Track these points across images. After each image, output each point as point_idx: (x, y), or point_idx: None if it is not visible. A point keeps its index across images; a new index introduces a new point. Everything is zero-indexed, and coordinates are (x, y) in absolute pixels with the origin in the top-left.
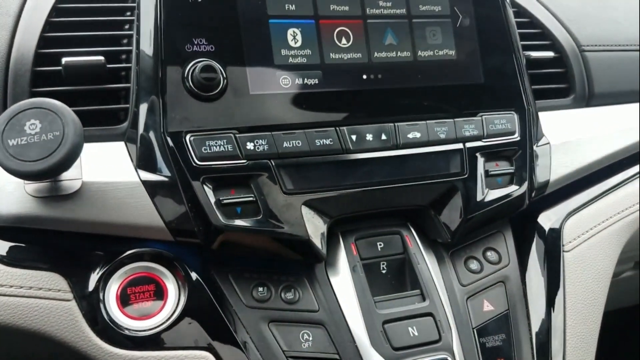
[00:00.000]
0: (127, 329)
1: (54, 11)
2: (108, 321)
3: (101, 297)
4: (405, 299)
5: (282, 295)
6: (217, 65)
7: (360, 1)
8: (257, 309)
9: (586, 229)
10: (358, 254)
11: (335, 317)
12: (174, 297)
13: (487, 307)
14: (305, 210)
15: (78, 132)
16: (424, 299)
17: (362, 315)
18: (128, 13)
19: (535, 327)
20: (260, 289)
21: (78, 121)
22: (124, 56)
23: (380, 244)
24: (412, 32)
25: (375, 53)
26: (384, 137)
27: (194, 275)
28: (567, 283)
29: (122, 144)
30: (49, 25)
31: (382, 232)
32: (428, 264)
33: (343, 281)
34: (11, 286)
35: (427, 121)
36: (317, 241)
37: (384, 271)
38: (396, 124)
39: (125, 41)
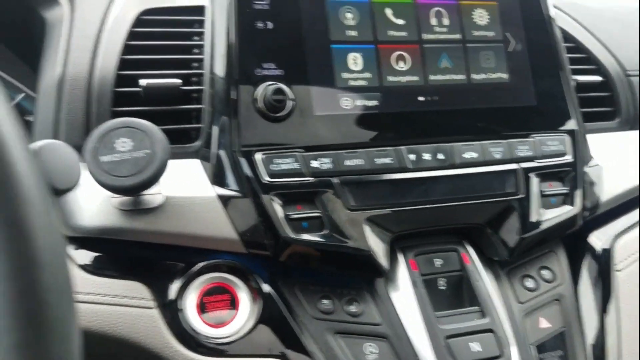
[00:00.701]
0: (205, 336)
1: (130, 35)
2: (187, 329)
3: (180, 306)
4: (465, 315)
5: (346, 308)
6: (286, 88)
7: (416, 27)
8: (323, 321)
9: (637, 249)
10: (418, 270)
11: (397, 331)
12: (247, 307)
13: (544, 324)
14: (367, 226)
15: (166, 150)
16: (483, 316)
17: (426, 330)
18: (196, 38)
19: (590, 344)
20: (325, 301)
21: (165, 140)
22: (194, 79)
23: (438, 261)
24: (467, 56)
25: (431, 76)
26: (441, 156)
27: (265, 287)
28: (621, 302)
29: (195, 161)
30: (126, 48)
31: (440, 249)
32: (486, 282)
33: (404, 296)
34: (98, 294)
35: (482, 141)
36: (380, 256)
37: (442, 287)
38: (452, 144)
39: (195, 64)
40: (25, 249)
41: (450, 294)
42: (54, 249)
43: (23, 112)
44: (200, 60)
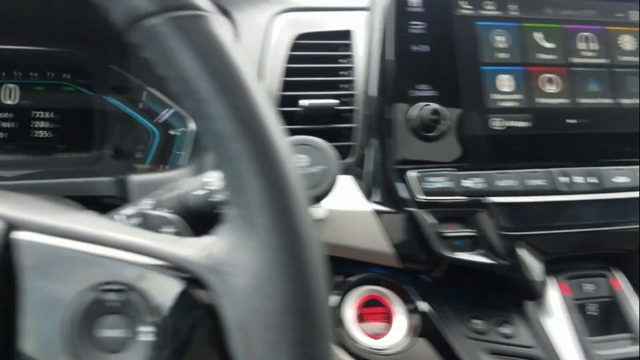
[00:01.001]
0: (366, 347)
1: (289, 58)
2: (348, 337)
3: (340, 315)
4: (617, 342)
5: (498, 329)
6: (441, 108)
7: (565, 51)
8: (477, 340)
9: None
10: (571, 294)
11: (551, 355)
12: (403, 321)
13: None
14: (522, 248)
15: (338, 167)
16: (635, 343)
17: (581, 355)
18: (342, 60)
19: None
20: (476, 321)
21: (337, 158)
22: (345, 99)
23: (589, 286)
24: (613, 81)
25: (580, 99)
26: (593, 180)
27: (420, 304)
28: None
29: (348, 177)
30: (286, 71)
31: (590, 274)
32: (635, 308)
33: (557, 320)
34: None
35: (632, 166)
36: (535, 279)
37: (592, 313)
38: (603, 167)
39: (344, 85)
40: (302, 254)
41: (600, 320)
42: (319, 252)
43: (168, 127)
44: (349, 82)
